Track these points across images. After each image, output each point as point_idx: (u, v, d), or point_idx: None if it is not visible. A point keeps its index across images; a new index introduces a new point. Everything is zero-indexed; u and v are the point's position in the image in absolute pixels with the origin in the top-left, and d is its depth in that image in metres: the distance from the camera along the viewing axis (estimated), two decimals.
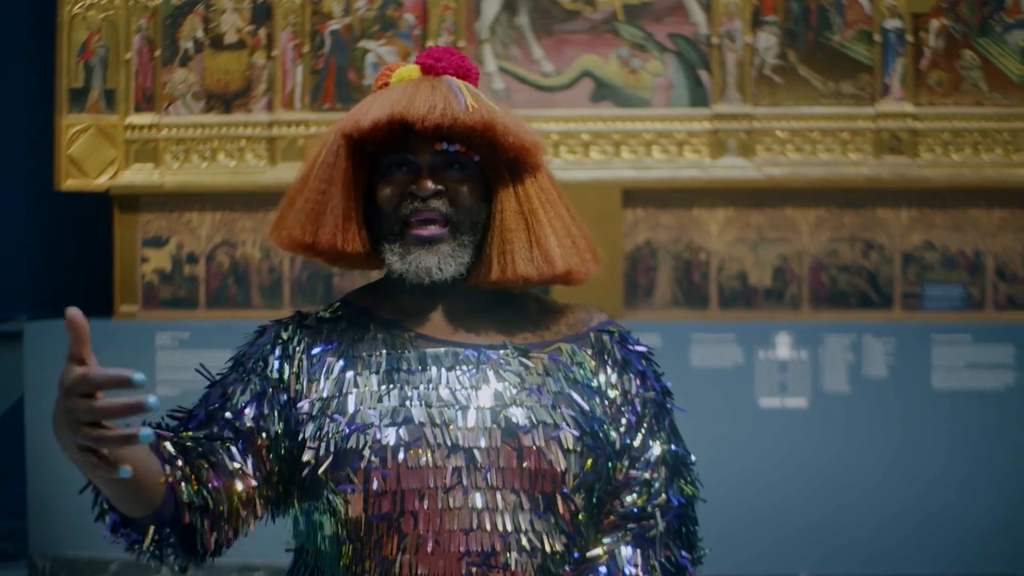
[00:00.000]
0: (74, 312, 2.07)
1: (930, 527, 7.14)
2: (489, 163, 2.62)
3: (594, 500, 2.59)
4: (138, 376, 2.02)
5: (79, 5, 7.86)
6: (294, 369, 2.60)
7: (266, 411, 2.56)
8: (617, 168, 7.77)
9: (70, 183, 7.89)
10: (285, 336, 2.65)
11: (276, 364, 2.61)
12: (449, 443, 2.50)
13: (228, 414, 2.55)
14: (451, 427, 2.51)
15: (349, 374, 2.58)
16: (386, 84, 2.67)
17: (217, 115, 7.97)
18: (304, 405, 2.56)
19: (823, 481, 7.20)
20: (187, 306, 7.93)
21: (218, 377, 2.64)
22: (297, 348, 2.63)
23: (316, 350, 2.62)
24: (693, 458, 2.69)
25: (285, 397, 2.58)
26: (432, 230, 2.56)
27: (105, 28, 7.89)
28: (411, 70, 2.67)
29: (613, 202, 7.61)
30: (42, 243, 8.34)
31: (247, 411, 2.55)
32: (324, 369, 2.59)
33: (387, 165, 2.61)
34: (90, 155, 7.88)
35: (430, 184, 2.57)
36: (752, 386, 7.36)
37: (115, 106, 7.93)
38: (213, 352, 7.59)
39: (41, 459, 7.49)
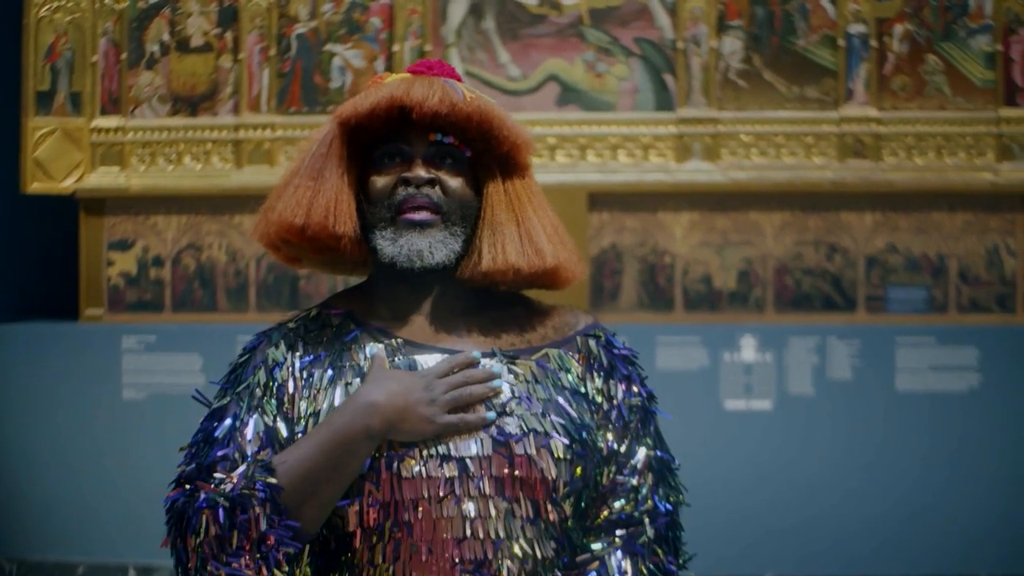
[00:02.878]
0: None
1: (894, 528, 7.18)
2: (480, 159, 2.65)
3: (582, 505, 2.61)
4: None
5: (46, 8, 7.84)
6: (289, 391, 2.59)
7: (282, 440, 2.57)
8: (583, 172, 7.80)
9: (36, 186, 7.87)
10: (277, 356, 2.63)
11: (276, 391, 2.60)
12: (442, 453, 2.52)
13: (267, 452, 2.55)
14: (443, 437, 2.52)
15: (338, 386, 2.58)
16: None
17: (183, 118, 7.96)
18: (301, 424, 2.56)
19: (788, 483, 7.23)
20: (153, 309, 7.91)
21: (232, 405, 2.60)
22: (288, 367, 2.62)
23: (304, 363, 2.62)
24: (677, 463, 2.72)
25: (284, 425, 2.58)
26: (424, 215, 2.58)
27: (71, 31, 7.88)
28: (403, 77, 2.69)
29: (579, 206, 7.63)
30: (7, 246, 8.31)
31: (266, 452, 2.55)
32: (313, 382, 2.59)
33: (380, 155, 2.63)
34: (56, 158, 7.86)
35: (423, 172, 2.59)
36: (717, 388, 7.38)
37: (81, 109, 7.92)
38: (180, 355, 7.64)
39: (8, 463, 7.47)
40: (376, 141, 2.63)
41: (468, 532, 2.50)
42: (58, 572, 7.38)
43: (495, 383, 2.54)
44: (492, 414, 2.52)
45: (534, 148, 2.73)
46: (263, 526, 2.43)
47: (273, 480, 2.45)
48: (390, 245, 2.59)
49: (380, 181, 2.62)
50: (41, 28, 7.87)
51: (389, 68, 7.72)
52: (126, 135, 7.93)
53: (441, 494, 2.50)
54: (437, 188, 2.60)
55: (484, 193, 2.66)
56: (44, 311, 8.08)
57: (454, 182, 2.62)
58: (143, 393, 7.48)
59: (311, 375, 2.60)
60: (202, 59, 7.99)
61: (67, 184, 7.89)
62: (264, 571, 2.43)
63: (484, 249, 2.62)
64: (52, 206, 8.06)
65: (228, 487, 2.46)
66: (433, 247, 2.58)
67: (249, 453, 2.52)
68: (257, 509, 2.43)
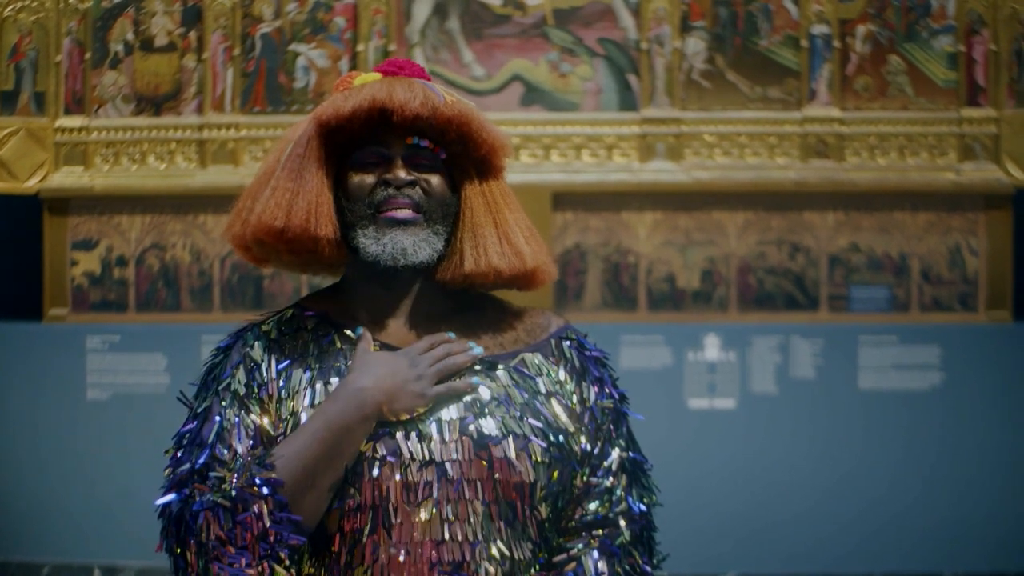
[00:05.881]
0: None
1: (856, 525, 7.21)
2: (456, 162, 2.65)
3: (558, 506, 2.62)
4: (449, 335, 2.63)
5: (10, 8, 7.82)
6: (270, 392, 2.58)
7: (269, 438, 2.56)
8: (547, 172, 7.81)
9: (0, 186, 7.86)
10: (255, 357, 2.62)
11: (257, 391, 2.58)
12: (421, 456, 2.51)
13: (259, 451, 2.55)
14: (423, 440, 2.52)
15: (317, 387, 2.57)
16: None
17: (147, 118, 7.95)
18: (280, 427, 2.55)
19: (751, 481, 7.25)
20: (117, 309, 7.89)
21: (216, 405, 2.59)
22: (266, 369, 2.60)
23: (282, 365, 2.61)
24: (650, 463, 2.74)
25: (268, 423, 2.56)
26: (406, 213, 2.57)
27: (35, 31, 7.86)
28: (373, 76, 2.67)
29: (543, 205, 7.64)
30: None
31: (259, 450, 2.54)
32: (291, 385, 2.58)
33: (358, 157, 2.61)
34: (20, 158, 7.84)
35: (403, 173, 2.58)
36: (681, 387, 7.41)
37: (45, 109, 7.90)
38: (144, 355, 7.61)
39: None
40: (352, 141, 2.61)
41: (446, 534, 2.50)
42: (23, 573, 7.36)
43: (475, 351, 2.60)
44: (476, 379, 2.57)
45: (511, 151, 2.72)
46: (267, 522, 2.42)
47: (273, 475, 2.45)
48: (373, 244, 2.57)
49: (361, 182, 2.60)
50: (5, 28, 7.85)
51: (354, 67, 7.71)
52: (90, 135, 7.91)
53: (420, 497, 2.49)
54: (417, 188, 2.59)
55: (462, 195, 2.65)
56: (7, 311, 8.05)
57: (433, 182, 2.61)
58: (107, 393, 7.47)
59: (289, 376, 2.58)
60: (166, 59, 7.98)
61: (31, 184, 7.88)
62: (266, 568, 2.43)
63: (466, 251, 2.62)
64: (16, 206, 8.04)
65: (228, 486, 2.45)
66: (417, 245, 2.57)
67: (240, 452, 2.51)
68: (260, 505, 2.43)
